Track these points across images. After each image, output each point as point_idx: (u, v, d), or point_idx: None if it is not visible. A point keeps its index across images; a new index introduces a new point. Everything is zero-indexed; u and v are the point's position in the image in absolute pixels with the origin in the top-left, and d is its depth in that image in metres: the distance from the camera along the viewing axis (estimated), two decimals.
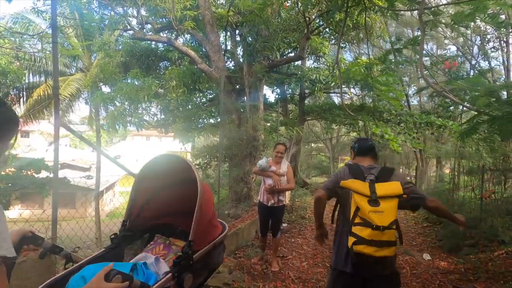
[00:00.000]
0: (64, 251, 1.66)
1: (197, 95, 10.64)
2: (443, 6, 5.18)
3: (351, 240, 1.94)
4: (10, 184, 5.91)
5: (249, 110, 8.70)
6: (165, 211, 2.23)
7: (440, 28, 12.99)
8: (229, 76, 8.83)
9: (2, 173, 5.83)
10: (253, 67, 8.23)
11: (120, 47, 12.48)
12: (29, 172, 5.86)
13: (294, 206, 8.56)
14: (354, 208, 1.99)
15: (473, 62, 14.37)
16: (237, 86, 9.45)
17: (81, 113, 18.92)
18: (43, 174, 5.91)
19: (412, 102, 18.80)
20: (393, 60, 13.33)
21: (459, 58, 13.93)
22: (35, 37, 10.91)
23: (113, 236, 1.95)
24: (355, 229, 1.93)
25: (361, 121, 12.92)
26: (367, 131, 17.48)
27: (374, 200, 1.92)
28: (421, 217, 8.30)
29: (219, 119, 10.41)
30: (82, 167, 23.78)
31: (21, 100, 13.73)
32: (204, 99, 11.50)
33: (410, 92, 16.78)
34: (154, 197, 2.13)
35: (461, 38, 14.12)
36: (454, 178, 8.06)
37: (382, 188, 2.00)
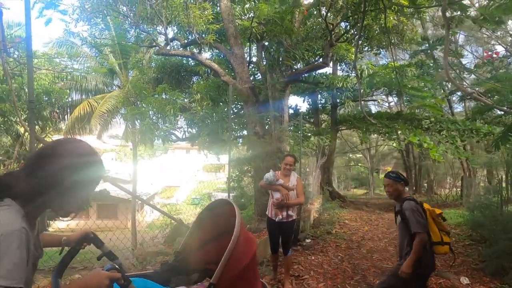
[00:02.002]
0: (118, 260, 1.72)
1: (223, 107, 10.69)
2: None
3: (446, 248, 2.81)
4: None
5: (273, 121, 8.52)
6: (217, 258, 2.20)
7: (483, 28, 11.97)
8: (253, 87, 8.73)
9: None
10: (273, 78, 8.07)
11: (153, 64, 13.00)
12: None
13: (321, 220, 8.15)
14: (435, 227, 2.82)
15: None
16: (264, 97, 9.34)
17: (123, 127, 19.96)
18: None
19: (457, 108, 17.55)
20: (432, 65, 12.54)
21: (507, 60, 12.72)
22: (73, 58, 11.62)
23: (163, 262, 2.08)
24: (446, 239, 2.81)
25: (399, 130, 12.27)
26: (404, 139, 16.60)
27: (443, 217, 2.90)
28: (463, 234, 7.51)
29: (245, 132, 10.34)
30: (124, 179, 24.87)
31: (66, 116, 14.71)
32: (231, 111, 11.49)
33: (453, 98, 15.61)
34: (211, 240, 2.15)
35: (510, 38, 12.94)
36: (502, 190, 7.22)
37: (432, 209, 2.93)
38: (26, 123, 5.24)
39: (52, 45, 13.57)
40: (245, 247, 1.84)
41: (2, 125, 10.99)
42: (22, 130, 10.87)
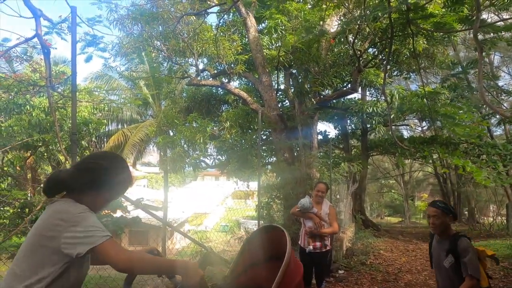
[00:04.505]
0: (175, 279, 1.75)
1: (252, 134, 10.81)
2: (501, 22, 4.56)
3: None
4: None
5: (302, 147, 8.48)
6: (265, 282, 2.24)
7: None
8: (281, 114, 8.81)
9: None
10: (303, 105, 8.11)
11: (185, 94, 13.52)
12: (107, 212, 6.37)
13: (354, 250, 7.82)
14: (483, 271, 2.51)
15: None
16: (292, 124, 9.38)
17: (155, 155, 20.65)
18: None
19: (496, 131, 16.72)
20: (466, 87, 12.16)
21: None
22: (109, 91, 12.32)
23: (213, 285, 2.23)
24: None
25: (435, 154, 11.82)
26: (445, 164, 15.92)
27: (496, 259, 2.67)
28: None
29: (274, 158, 10.34)
30: (155, 206, 25.26)
31: (102, 145, 15.43)
32: (260, 138, 11.59)
33: (491, 121, 14.91)
34: (259, 264, 2.17)
35: None
36: None
37: (482, 248, 2.65)
38: (66, 152, 5.55)
39: (90, 79, 14.52)
40: (293, 271, 1.87)
41: (45, 154, 11.73)
42: (62, 158, 11.50)
